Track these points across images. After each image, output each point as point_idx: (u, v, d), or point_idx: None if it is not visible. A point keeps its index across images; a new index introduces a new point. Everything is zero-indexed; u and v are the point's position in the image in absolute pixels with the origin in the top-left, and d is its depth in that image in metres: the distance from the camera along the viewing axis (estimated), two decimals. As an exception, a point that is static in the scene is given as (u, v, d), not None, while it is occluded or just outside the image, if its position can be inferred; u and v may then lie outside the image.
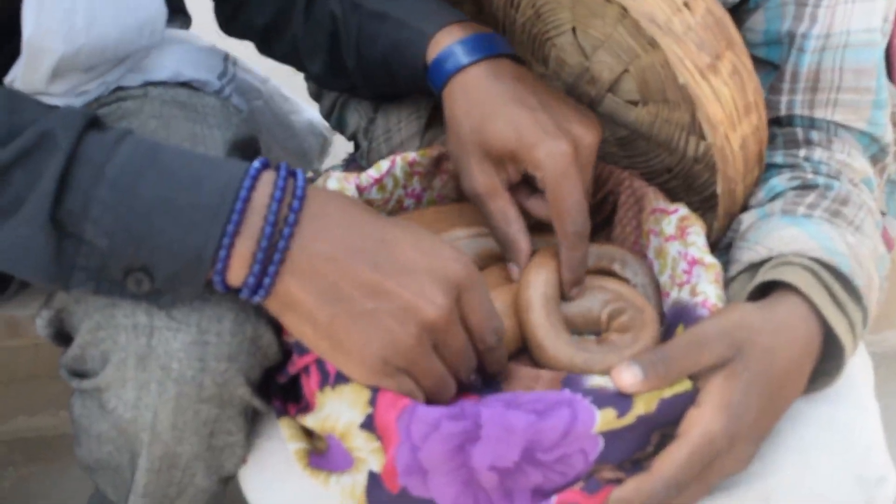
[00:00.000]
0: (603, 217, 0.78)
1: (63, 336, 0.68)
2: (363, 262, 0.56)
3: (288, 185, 0.56)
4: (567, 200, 0.66)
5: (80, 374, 0.65)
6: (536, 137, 0.67)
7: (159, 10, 0.85)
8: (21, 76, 0.78)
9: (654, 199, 0.73)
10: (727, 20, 0.67)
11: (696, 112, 0.75)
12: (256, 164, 0.56)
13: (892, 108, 0.81)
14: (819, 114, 0.74)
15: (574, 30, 0.79)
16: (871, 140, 0.76)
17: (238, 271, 0.55)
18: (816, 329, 0.63)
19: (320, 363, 0.60)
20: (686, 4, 0.66)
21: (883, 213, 0.84)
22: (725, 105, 0.66)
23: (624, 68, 0.77)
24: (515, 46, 0.85)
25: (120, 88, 0.85)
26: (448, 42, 0.73)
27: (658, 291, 0.72)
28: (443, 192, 0.80)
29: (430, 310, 0.56)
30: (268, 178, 0.56)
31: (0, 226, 0.54)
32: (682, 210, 0.71)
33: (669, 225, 0.70)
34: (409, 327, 0.56)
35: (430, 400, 0.59)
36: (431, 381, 0.59)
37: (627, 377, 0.58)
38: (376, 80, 0.83)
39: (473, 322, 0.60)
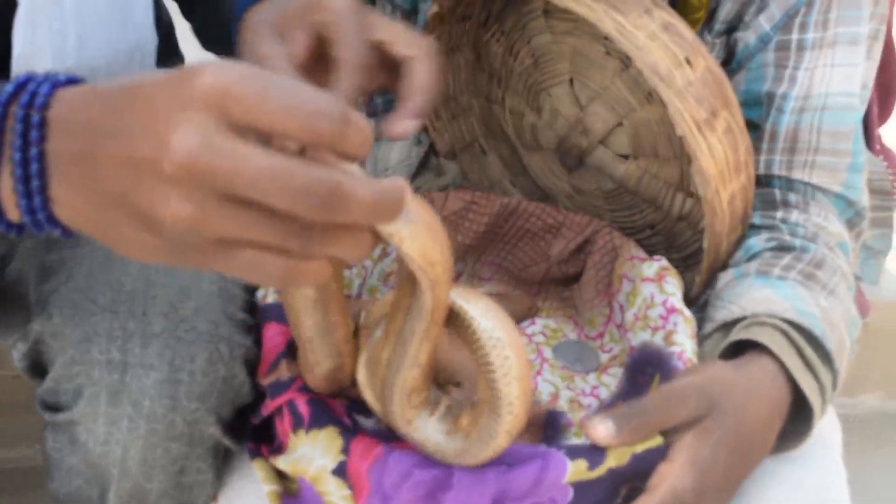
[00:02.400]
0: (577, 269, 0.79)
1: (38, 369, 0.66)
2: (110, 144, 0.42)
3: (33, 101, 0.44)
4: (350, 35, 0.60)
5: (54, 408, 0.64)
6: None
7: (150, 37, 0.85)
8: None
9: (632, 249, 0.74)
10: (724, 80, 0.70)
11: (685, 168, 0.77)
12: (9, 87, 0.45)
13: (869, 174, 0.84)
14: (797, 175, 0.76)
15: (571, 81, 0.81)
16: (847, 204, 0.78)
17: (8, 204, 0.45)
18: (786, 390, 0.63)
19: (292, 405, 0.60)
20: (688, 60, 0.68)
21: (858, 278, 0.85)
22: (718, 161, 0.68)
23: (618, 121, 0.79)
24: (510, 95, 0.87)
25: None
26: None
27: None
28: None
29: (164, 159, 0.40)
30: (13, 105, 0.45)
31: None
32: (664, 261, 0.72)
33: (650, 269, 0.71)
34: (150, 195, 0.41)
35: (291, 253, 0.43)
36: (255, 237, 0.41)
37: (601, 430, 0.57)
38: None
39: (270, 121, 0.40)
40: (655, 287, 0.69)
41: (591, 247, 0.77)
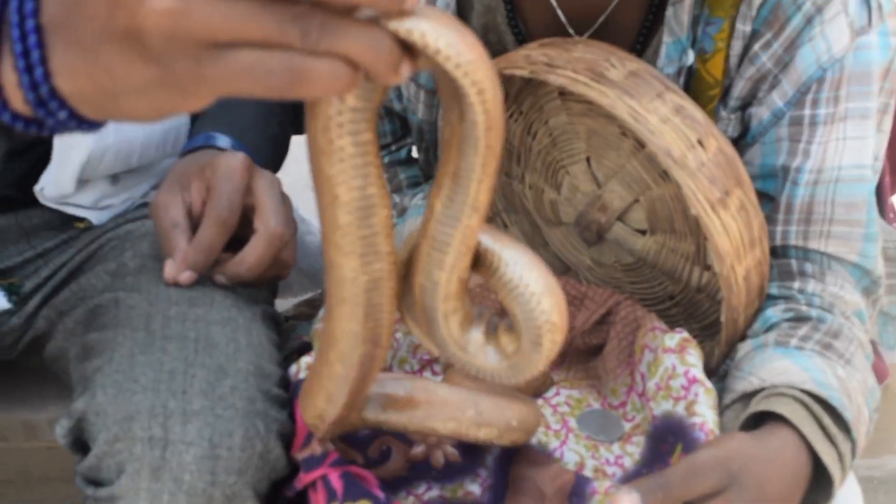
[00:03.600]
0: (600, 340, 0.81)
1: (80, 445, 0.70)
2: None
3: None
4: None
5: (95, 483, 0.67)
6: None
7: (183, 121, 0.90)
8: (51, 179, 0.82)
9: (654, 320, 0.77)
10: (737, 159, 0.73)
11: (701, 243, 0.80)
12: None
13: (884, 242, 0.86)
14: (812, 245, 0.79)
15: (588, 159, 0.84)
16: (863, 273, 0.80)
17: (13, 93, 0.44)
18: (806, 460, 0.65)
19: (326, 480, 0.62)
20: (700, 142, 0.71)
21: (876, 343, 0.87)
22: (733, 238, 0.71)
23: (635, 198, 0.82)
24: (530, 172, 0.90)
25: (144, 205, 0.89)
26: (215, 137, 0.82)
27: None
28: None
29: None
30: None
31: None
32: (685, 333, 0.74)
33: (671, 340, 0.73)
34: (129, 6, 0.38)
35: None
36: (249, 30, 0.38)
37: (627, 502, 0.60)
38: None
39: None
40: (677, 358, 0.71)
41: (614, 318, 0.79)
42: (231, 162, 0.74)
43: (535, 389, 0.78)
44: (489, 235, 0.51)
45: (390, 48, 0.39)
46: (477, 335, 0.54)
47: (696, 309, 0.83)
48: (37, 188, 0.84)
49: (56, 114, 0.43)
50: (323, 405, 0.58)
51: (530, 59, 0.77)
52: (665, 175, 0.79)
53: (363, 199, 0.48)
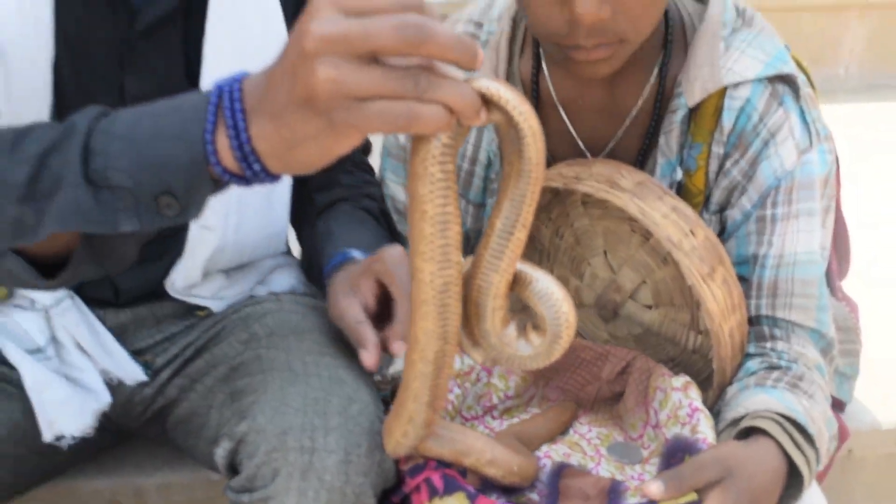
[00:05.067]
0: (621, 388, 1.03)
1: (231, 467, 0.89)
2: (274, 69, 0.62)
3: (233, 88, 0.64)
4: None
5: (248, 491, 0.86)
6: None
7: (284, 227, 1.14)
8: (182, 272, 1.05)
9: (662, 369, 0.99)
10: (719, 245, 0.97)
11: (695, 313, 1.03)
12: (215, 87, 0.65)
13: (836, 316, 1.09)
14: (779, 314, 1.01)
15: (605, 252, 1.08)
16: (819, 336, 1.02)
17: (226, 154, 0.64)
18: (782, 462, 0.87)
19: (429, 481, 0.83)
20: (692, 231, 0.95)
21: (843, 403, 1.09)
22: (719, 303, 0.94)
23: (642, 280, 1.06)
24: (557, 266, 1.14)
25: (251, 297, 1.11)
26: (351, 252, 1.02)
27: None
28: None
29: (306, 41, 0.57)
30: (221, 94, 0.65)
31: (53, 200, 0.68)
32: (687, 377, 0.97)
33: (677, 381, 0.95)
34: (304, 77, 0.57)
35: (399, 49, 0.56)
36: (380, 87, 0.57)
37: (654, 488, 0.81)
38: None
39: (367, 7, 0.58)
40: (682, 394, 0.94)
41: (631, 369, 1.01)
42: (393, 252, 0.92)
43: (563, 424, 1.00)
44: (524, 263, 0.70)
45: (474, 98, 0.59)
46: (512, 330, 0.72)
47: (693, 367, 1.05)
48: (168, 281, 1.07)
49: (253, 166, 0.63)
50: (412, 405, 0.75)
51: (561, 174, 1.01)
52: (665, 261, 1.03)
53: (443, 214, 0.63)
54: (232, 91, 0.63)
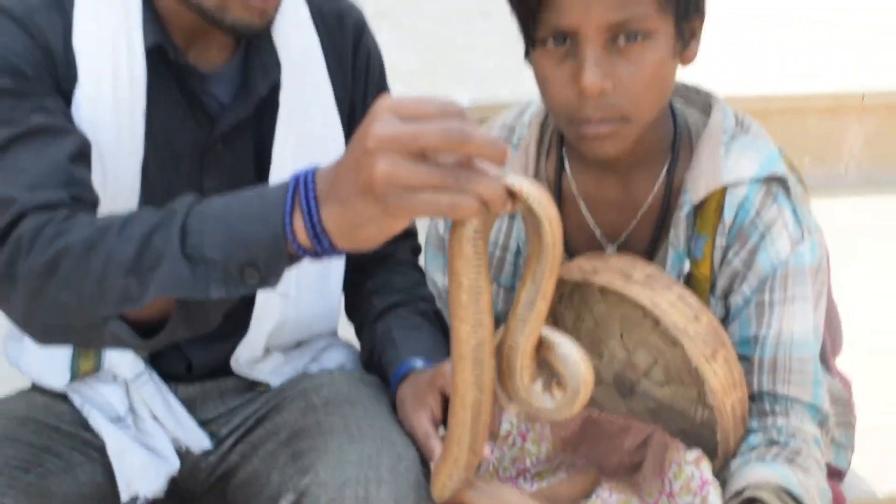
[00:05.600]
0: (640, 458, 1.16)
1: None
2: (341, 163, 0.76)
3: (307, 178, 0.78)
4: None
5: None
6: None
7: (337, 311, 1.29)
8: (245, 350, 1.20)
9: (678, 443, 1.12)
10: (721, 329, 1.11)
11: (701, 389, 1.16)
12: (292, 178, 0.79)
13: (831, 390, 1.22)
14: (779, 389, 1.13)
15: (621, 335, 1.22)
16: (816, 410, 1.15)
17: (301, 233, 0.78)
18: None
19: None
20: (696, 318, 1.10)
21: (842, 472, 1.21)
22: (721, 381, 1.08)
23: (654, 360, 1.20)
24: (578, 348, 1.28)
25: (305, 374, 1.26)
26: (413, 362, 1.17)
27: None
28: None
29: (368, 140, 0.71)
30: (298, 183, 0.79)
31: (155, 272, 0.82)
32: (699, 453, 1.09)
33: (691, 455, 1.08)
34: (366, 169, 0.71)
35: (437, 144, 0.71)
36: (428, 180, 0.71)
37: None
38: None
39: (421, 114, 0.71)
40: (695, 467, 1.07)
41: (650, 441, 1.14)
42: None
43: (587, 490, 1.13)
44: (550, 329, 0.83)
45: (502, 192, 0.73)
46: (538, 386, 0.84)
47: (701, 438, 1.18)
48: (233, 358, 1.22)
49: (323, 243, 0.77)
50: (455, 449, 0.87)
51: (581, 268, 1.16)
52: (674, 343, 1.16)
53: (475, 285, 0.76)
54: (307, 181, 0.77)
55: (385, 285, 1.30)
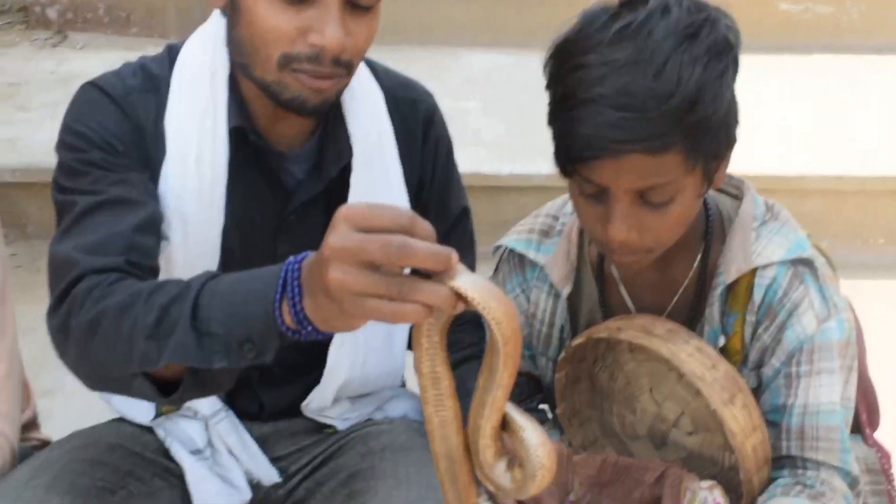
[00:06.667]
0: (659, 492, 1.22)
1: None
2: (312, 273, 0.81)
3: (295, 267, 0.84)
4: None
5: None
6: None
7: (401, 366, 1.41)
8: (316, 398, 1.32)
9: (692, 475, 1.19)
10: (739, 377, 1.19)
11: (727, 434, 1.23)
12: (284, 266, 0.85)
13: (866, 459, 1.27)
14: (808, 455, 1.21)
15: (651, 389, 1.31)
16: (845, 473, 1.21)
17: (288, 318, 0.85)
18: None
19: None
20: (714, 366, 1.18)
21: None
22: (740, 423, 1.15)
23: (682, 411, 1.28)
24: (616, 404, 1.36)
25: (370, 420, 1.38)
26: None
27: None
28: None
29: (325, 249, 0.76)
30: (287, 273, 0.85)
31: (169, 340, 0.90)
32: (713, 481, 1.17)
33: (705, 483, 1.16)
34: (325, 274, 0.76)
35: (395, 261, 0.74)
36: (375, 289, 0.74)
37: None
38: None
39: (374, 224, 0.75)
40: (708, 492, 1.14)
41: (667, 474, 1.21)
42: None
43: None
44: (516, 410, 0.83)
45: (448, 296, 0.74)
46: (501, 465, 0.84)
47: (731, 483, 1.25)
48: (304, 404, 1.34)
49: (306, 327, 0.83)
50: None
51: (607, 326, 1.26)
52: (698, 393, 1.24)
53: (433, 372, 0.81)
54: (293, 270, 0.84)
55: (454, 342, 1.37)
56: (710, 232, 1.25)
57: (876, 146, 2.87)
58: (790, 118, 3.01)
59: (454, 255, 0.75)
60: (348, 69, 1.13)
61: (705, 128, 1.06)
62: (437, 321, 0.79)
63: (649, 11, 1.05)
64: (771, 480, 1.21)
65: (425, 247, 0.74)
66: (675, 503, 1.19)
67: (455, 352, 1.38)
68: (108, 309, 0.98)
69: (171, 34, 3.22)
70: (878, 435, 1.42)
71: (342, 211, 0.77)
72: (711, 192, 1.26)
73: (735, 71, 1.09)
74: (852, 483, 1.21)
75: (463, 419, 1.29)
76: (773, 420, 1.21)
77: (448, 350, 1.39)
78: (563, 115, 1.07)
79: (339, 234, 0.76)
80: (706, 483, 1.15)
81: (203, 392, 0.99)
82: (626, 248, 1.12)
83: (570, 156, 1.08)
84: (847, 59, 3.36)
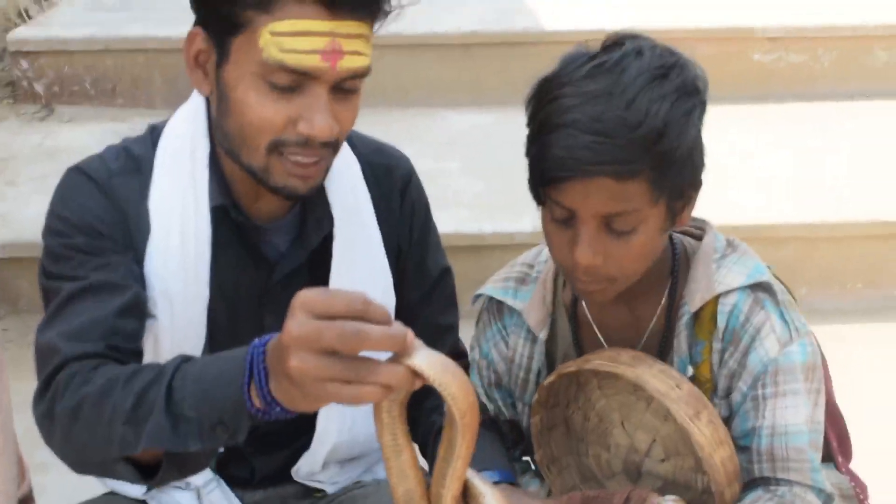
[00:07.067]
0: None
1: None
2: (276, 356, 0.84)
3: (259, 351, 0.87)
4: None
5: None
6: None
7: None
8: (306, 463, 1.32)
9: (654, 494, 1.18)
10: (702, 395, 1.19)
11: (697, 456, 1.23)
12: (250, 349, 0.88)
13: (840, 486, 1.27)
14: (780, 475, 1.20)
15: (622, 423, 1.31)
16: (818, 491, 1.21)
17: (256, 400, 0.88)
18: None
19: None
20: (678, 385, 1.18)
21: None
22: (707, 438, 1.15)
23: (652, 438, 1.27)
24: (591, 446, 1.35)
25: (358, 482, 1.38)
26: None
27: None
28: None
29: (283, 338, 0.81)
30: (253, 356, 0.88)
31: (146, 424, 0.93)
32: (677, 497, 1.16)
33: (669, 498, 1.15)
34: (285, 361, 0.80)
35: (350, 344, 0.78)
36: (333, 374, 0.78)
37: None
38: None
39: (331, 311, 0.79)
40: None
41: (632, 495, 1.20)
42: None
43: None
44: (477, 477, 0.90)
45: (405, 375, 0.79)
46: None
47: (707, 506, 1.24)
48: (294, 469, 1.33)
49: (275, 409, 0.87)
50: None
51: (576, 362, 1.26)
52: (666, 417, 1.25)
53: (394, 445, 0.87)
54: (259, 354, 0.87)
55: (441, 404, 1.38)
56: (676, 269, 1.28)
57: (849, 192, 2.91)
58: (765, 167, 3.05)
59: (409, 334, 0.78)
60: (335, 149, 1.16)
61: (670, 160, 1.11)
62: (396, 396, 0.83)
63: (624, 53, 1.12)
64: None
65: (380, 331, 0.77)
66: None
67: (442, 413, 1.37)
68: (89, 395, 1.00)
69: (157, 104, 3.29)
70: (861, 474, 1.41)
71: (299, 297, 0.80)
72: (677, 235, 1.30)
73: (702, 113, 1.15)
74: (826, 500, 1.20)
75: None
76: (745, 445, 1.21)
77: (435, 413, 1.39)
78: (538, 140, 1.13)
79: (296, 322, 0.79)
80: (670, 499, 1.15)
81: (181, 474, 1.01)
82: (590, 273, 1.15)
83: (543, 178, 1.13)
84: (820, 106, 3.42)
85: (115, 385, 0.99)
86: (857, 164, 3.07)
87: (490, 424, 1.39)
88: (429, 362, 0.79)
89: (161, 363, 1.00)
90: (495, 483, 1.21)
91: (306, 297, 0.80)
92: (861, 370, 2.38)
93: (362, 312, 0.79)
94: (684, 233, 1.32)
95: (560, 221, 1.15)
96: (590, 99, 1.09)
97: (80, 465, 1.05)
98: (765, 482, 1.21)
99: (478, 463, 1.24)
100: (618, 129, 1.08)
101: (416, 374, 0.79)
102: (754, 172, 2.94)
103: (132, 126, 3.10)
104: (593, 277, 1.16)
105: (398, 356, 0.79)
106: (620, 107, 1.08)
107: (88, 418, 0.99)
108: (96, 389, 1.00)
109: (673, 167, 1.11)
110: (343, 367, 0.78)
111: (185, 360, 0.96)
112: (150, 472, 0.99)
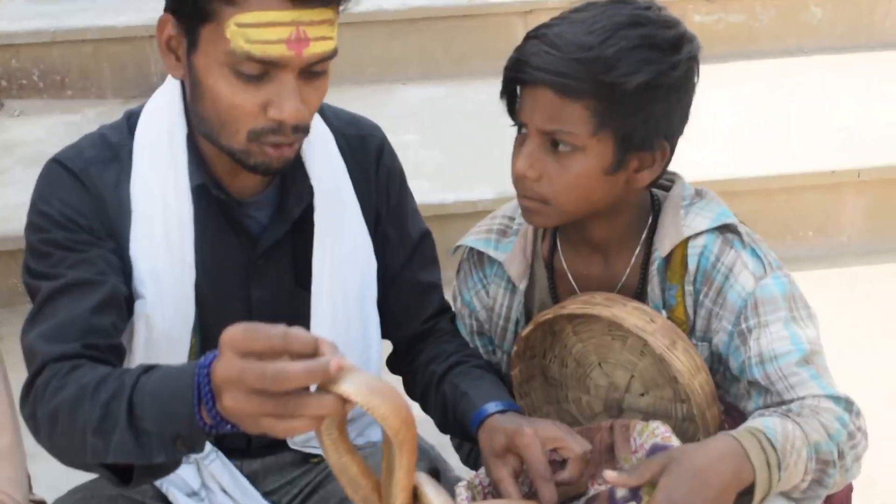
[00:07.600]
0: (611, 439, 1.26)
1: None
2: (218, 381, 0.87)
3: (204, 374, 0.89)
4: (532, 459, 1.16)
5: None
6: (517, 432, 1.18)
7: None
8: None
9: (636, 420, 1.25)
10: (675, 326, 1.24)
11: (674, 387, 1.29)
12: (196, 371, 0.90)
13: None
14: (787, 396, 1.22)
15: (600, 363, 1.36)
16: (835, 398, 1.20)
17: (207, 418, 0.90)
18: (734, 448, 1.10)
19: None
20: (652, 319, 1.24)
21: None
22: (685, 364, 1.21)
23: (631, 375, 1.33)
24: (571, 391, 1.40)
25: (353, 446, 1.40)
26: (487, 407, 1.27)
27: None
28: None
29: (214, 377, 0.86)
30: (200, 379, 0.90)
31: (112, 436, 0.96)
32: (661, 421, 1.22)
33: (654, 421, 1.21)
34: (219, 399, 0.86)
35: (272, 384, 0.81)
36: (264, 410, 0.82)
37: (609, 475, 1.11)
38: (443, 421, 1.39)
39: (255, 347, 0.83)
40: (656, 425, 1.21)
41: (615, 425, 1.26)
42: (526, 440, 1.17)
43: (577, 489, 1.24)
44: (428, 482, 0.94)
45: (334, 403, 0.82)
46: None
47: (686, 434, 1.29)
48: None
49: (223, 424, 0.89)
50: None
51: (553, 309, 1.31)
52: (643, 353, 1.30)
53: (340, 463, 0.92)
54: (204, 376, 0.89)
55: (439, 354, 1.42)
56: (655, 222, 1.32)
57: (796, 145, 3.01)
58: (716, 125, 3.13)
59: (331, 362, 0.80)
60: (307, 131, 1.19)
61: (616, 97, 1.16)
62: (332, 421, 0.88)
63: (626, 1, 1.22)
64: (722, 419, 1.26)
65: (300, 368, 0.80)
66: (626, 442, 1.24)
67: (441, 361, 1.41)
68: (63, 403, 1.04)
69: (107, 94, 3.26)
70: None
71: (224, 337, 0.84)
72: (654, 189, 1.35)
73: (669, 76, 1.19)
74: (846, 406, 1.21)
75: (462, 411, 1.31)
76: (747, 379, 1.25)
77: (433, 363, 1.43)
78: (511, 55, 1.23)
79: (223, 363, 0.84)
80: (654, 422, 1.21)
81: (154, 477, 1.06)
82: (524, 186, 1.23)
83: (504, 84, 1.24)
84: (762, 64, 3.52)
85: (85, 395, 1.02)
86: (802, 117, 3.17)
87: (490, 368, 1.42)
88: (356, 388, 0.82)
89: (128, 368, 1.04)
90: (502, 412, 1.25)
91: (230, 335, 0.84)
92: (820, 316, 2.48)
93: (284, 347, 0.82)
94: (658, 186, 1.35)
95: (518, 141, 1.24)
96: (567, 24, 1.20)
97: (69, 463, 1.09)
98: (777, 406, 1.22)
99: (481, 399, 1.29)
100: (570, 46, 1.17)
101: (345, 399, 0.82)
102: (707, 131, 3.02)
103: (84, 117, 3.09)
104: (528, 193, 1.23)
105: (325, 384, 0.82)
106: (583, 32, 1.18)
107: (64, 426, 1.04)
108: (70, 397, 1.04)
109: (620, 106, 1.17)
110: (274, 404, 0.82)
111: (145, 370, 1.00)
112: (128, 475, 1.04)
